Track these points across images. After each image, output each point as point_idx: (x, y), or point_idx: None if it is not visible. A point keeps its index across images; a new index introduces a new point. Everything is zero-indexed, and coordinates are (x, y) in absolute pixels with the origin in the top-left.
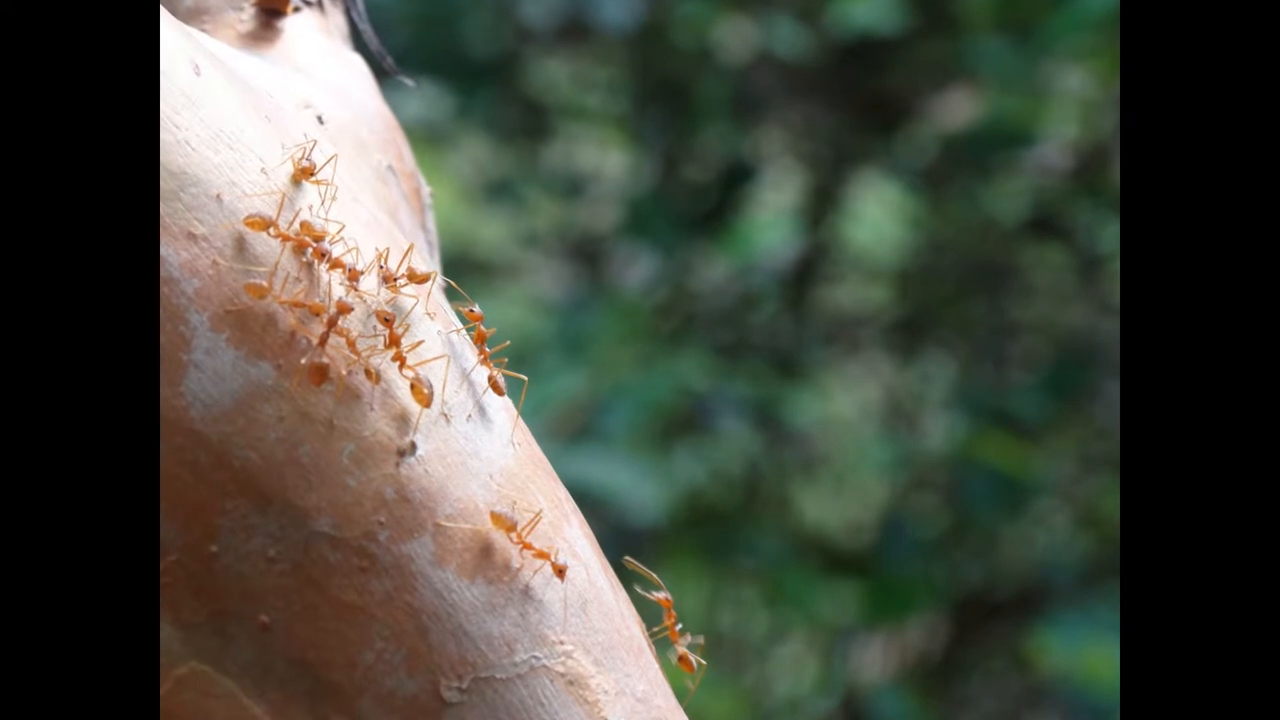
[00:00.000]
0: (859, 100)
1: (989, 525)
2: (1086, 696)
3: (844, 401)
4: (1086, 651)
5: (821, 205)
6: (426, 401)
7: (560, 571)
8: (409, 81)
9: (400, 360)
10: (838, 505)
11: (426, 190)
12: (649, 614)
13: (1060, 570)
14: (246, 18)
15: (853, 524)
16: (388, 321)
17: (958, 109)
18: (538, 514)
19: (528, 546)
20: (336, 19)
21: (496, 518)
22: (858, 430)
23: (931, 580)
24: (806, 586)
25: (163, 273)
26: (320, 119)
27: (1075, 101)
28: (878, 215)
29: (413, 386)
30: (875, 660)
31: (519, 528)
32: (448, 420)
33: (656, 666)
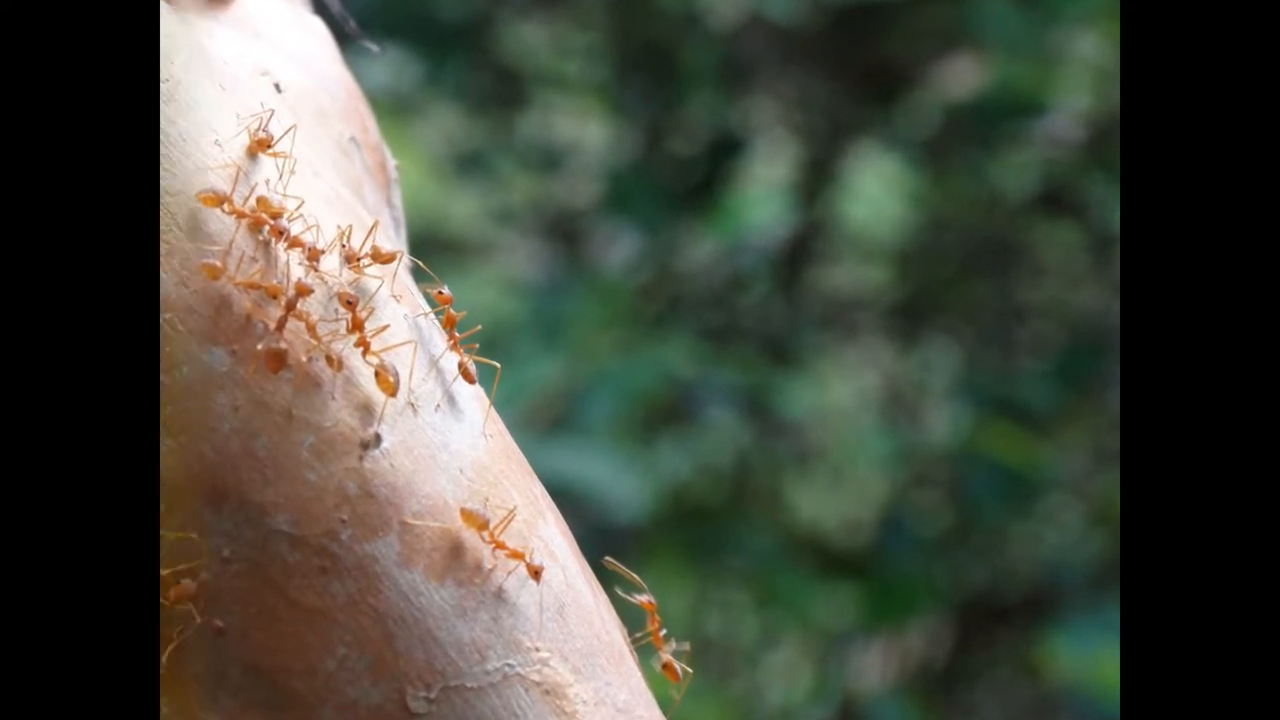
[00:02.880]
0: (856, 67)
1: (995, 523)
2: (1099, 706)
3: (840, 390)
4: (1099, 658)
5: (816, 180)
6: (392, 390)
7: (536, 573)
8: (374, 47)
9: (364, 346)
10: (834, 501)
11: (392, 164)
12: (631, 618)
13: (1071, 571)
14: None
15: (850, 521)
16: (350, 304)
17: (962, 77)
18: (511, 511)
19: (501, 546)
20: None
21: (467, 515)
22: (855, 421)
23: (934, 582)
24: (800, 588)
25: (193, 325)
26: (278, 87)
27: (1087, 68)
28: (876, 190)
29: (377, 374)
30: (874, 667)
31: (491, 526)
32: (415, 410)
33: (639, 674)
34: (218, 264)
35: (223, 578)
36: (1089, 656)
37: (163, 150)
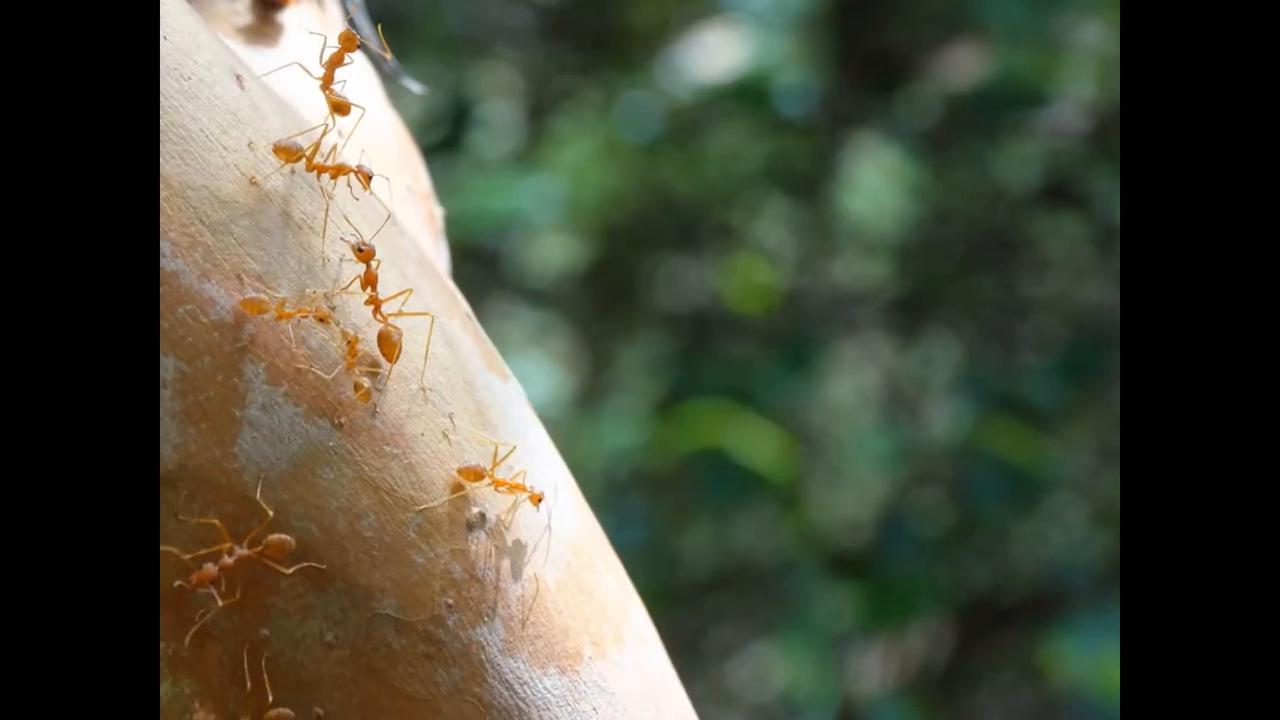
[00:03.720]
0: (856, 56)
1: (998, 522)
2: (1104, 709)
3: (840, 387)
4: (1104, 660)
5: (815, 171)
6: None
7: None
8: (415, 86)
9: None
10: (833, 500)
11: (439, 213)
12: None
13: (1076, 571)
14: (241, 9)
15: (849, 521)
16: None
17: (964, 65)
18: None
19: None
20: (333, 13)
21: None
22: (855, 418)
23: (935, 582)
24: (799, 588)
25: (214, 316)
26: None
27: (1092, 57)
28: (876, 183)
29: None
30: (874, 669)
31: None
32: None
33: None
34: (262, 298)
35: (324, 664)
36: (1094, 659)
37: (185, 146)
